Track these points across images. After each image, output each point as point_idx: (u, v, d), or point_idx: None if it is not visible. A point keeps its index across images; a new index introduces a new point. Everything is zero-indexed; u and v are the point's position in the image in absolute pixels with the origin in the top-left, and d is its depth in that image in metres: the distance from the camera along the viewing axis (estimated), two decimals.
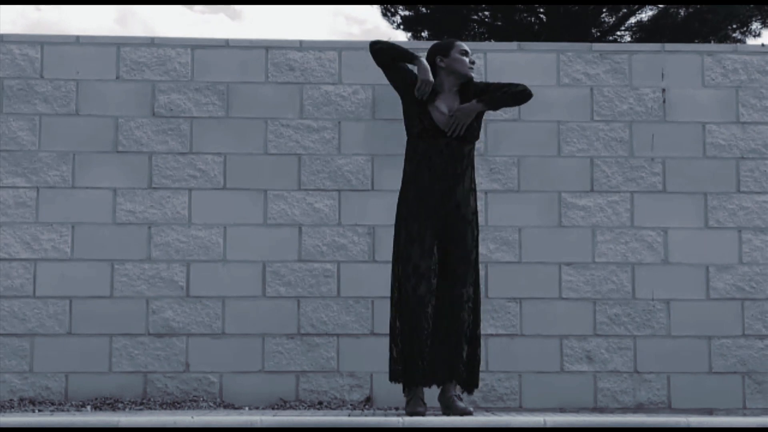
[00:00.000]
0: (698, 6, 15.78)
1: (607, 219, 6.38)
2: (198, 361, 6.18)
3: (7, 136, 6.29)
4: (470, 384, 5.03)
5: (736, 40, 16.29)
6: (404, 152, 5.14)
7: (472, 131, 5.07)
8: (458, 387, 5.03)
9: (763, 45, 6.67)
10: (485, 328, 6.24)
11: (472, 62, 5.16)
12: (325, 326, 6.22)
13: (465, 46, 5.18)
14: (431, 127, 5.02)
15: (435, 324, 4.96)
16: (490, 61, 6.47)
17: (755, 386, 6.28)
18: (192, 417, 4.59)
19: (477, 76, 6.07)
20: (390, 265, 6.28)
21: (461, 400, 5.01)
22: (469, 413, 4.86)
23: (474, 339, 5.03)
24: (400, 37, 17.59)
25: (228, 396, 6.13)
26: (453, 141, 5.01)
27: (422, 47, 6.58)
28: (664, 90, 6.50)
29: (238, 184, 6.33)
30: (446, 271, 4.99)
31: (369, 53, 5.20)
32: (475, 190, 5.12)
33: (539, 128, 6.43)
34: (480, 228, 5.40)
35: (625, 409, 6.23)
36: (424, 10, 16.82)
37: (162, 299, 6.22)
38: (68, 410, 5.73)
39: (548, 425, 4.37)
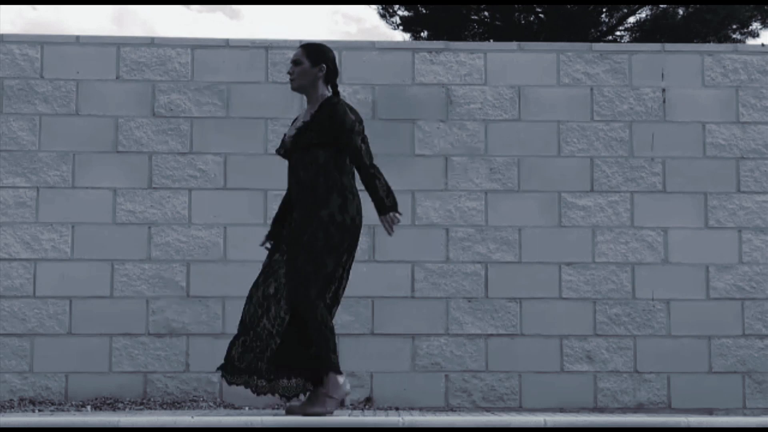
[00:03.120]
0: (698, 6, 15.77)
1: (607, 219, 6.38)
2: (198, 361, 6.17)
3: (7, 136, 6.29)
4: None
5: (736, 41, 16.28)
6: (370, 156, 4.89)
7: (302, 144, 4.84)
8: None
9: (763, 45, 6.67)
10: (485, 327, 6.24)
11: (288, 72, 4.95)
12: None
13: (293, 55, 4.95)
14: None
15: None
16: (490, 60, 6.47)
17: (755, 386, 6.28)
18: (192, 417, 4.59)
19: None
20: (391, 265, 6.30)
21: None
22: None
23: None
24: (399, 37, 17.54)
25: (228, 396, 6.13)
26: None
27: (422, 47, 6.60)
28: (664, 90, 6.50)
29: (238, 184, 6.32)
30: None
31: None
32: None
33: (539, 128, 6.43)
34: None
35: (625, 409, 6.22)
36: (423, 10, 16.75)
37: (162, 299, 6.21)
38: (68, 410, 5.72)
39: (548, 425, 4.37)
